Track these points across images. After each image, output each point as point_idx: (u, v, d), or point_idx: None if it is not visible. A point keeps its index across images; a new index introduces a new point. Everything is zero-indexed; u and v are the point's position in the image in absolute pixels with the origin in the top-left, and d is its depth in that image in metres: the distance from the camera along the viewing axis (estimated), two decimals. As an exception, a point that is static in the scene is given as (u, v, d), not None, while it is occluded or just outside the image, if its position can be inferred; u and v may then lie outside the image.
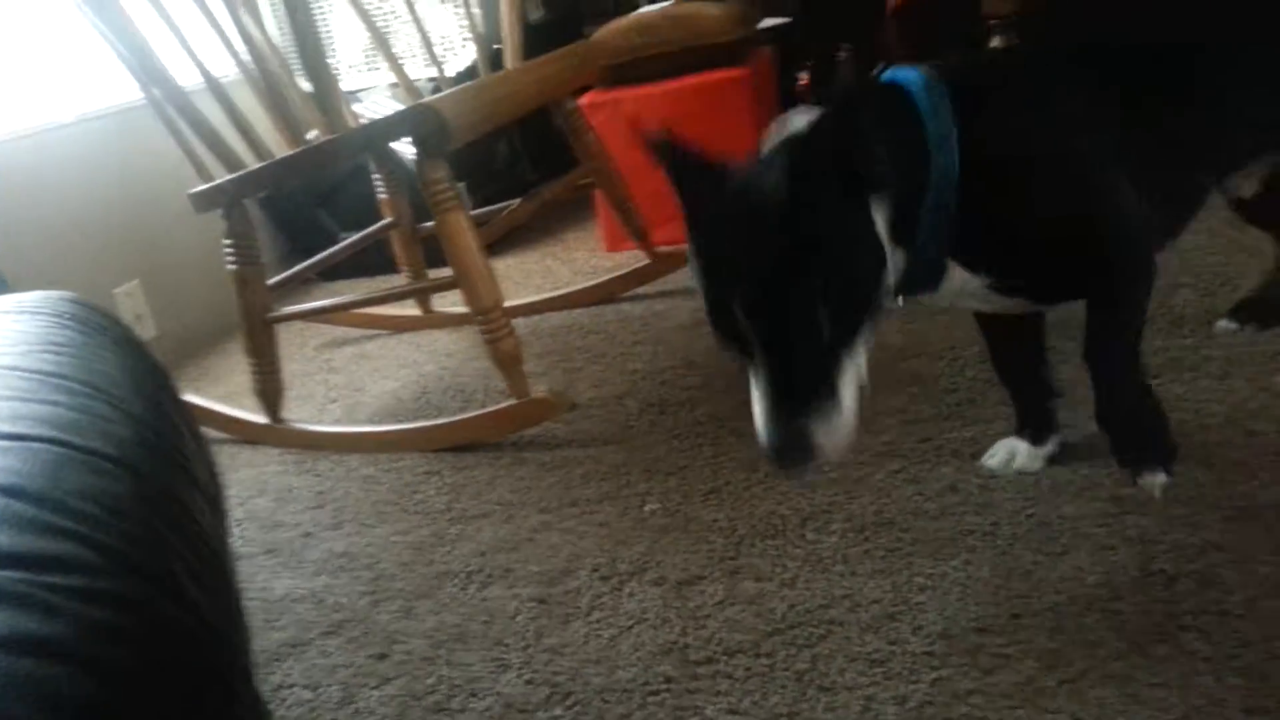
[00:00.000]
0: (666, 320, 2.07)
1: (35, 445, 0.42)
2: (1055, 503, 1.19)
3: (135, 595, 0.36)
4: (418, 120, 1.41)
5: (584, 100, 2.39)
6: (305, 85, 1.63)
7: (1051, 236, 1.05)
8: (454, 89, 1.63)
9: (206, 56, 1.68)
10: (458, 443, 1.68)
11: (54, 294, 0.68)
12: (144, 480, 0.44)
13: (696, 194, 0.93)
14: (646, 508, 1.38)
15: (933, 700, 0.94)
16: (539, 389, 1.67)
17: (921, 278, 1.04)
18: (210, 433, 1.95)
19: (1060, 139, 1.06)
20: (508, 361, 1.59)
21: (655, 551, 1.27)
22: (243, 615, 0.51)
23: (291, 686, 1.16)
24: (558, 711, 1.03)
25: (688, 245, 0.93)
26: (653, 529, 1.32)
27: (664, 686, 1.03)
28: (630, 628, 1.13)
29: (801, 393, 0.85)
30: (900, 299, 1.03)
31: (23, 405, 0.46)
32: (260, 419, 1.83)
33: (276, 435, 1.78)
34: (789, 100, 2.95)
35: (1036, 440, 1.27)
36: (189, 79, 1.68)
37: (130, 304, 2.51)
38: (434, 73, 2.23)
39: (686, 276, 2.27)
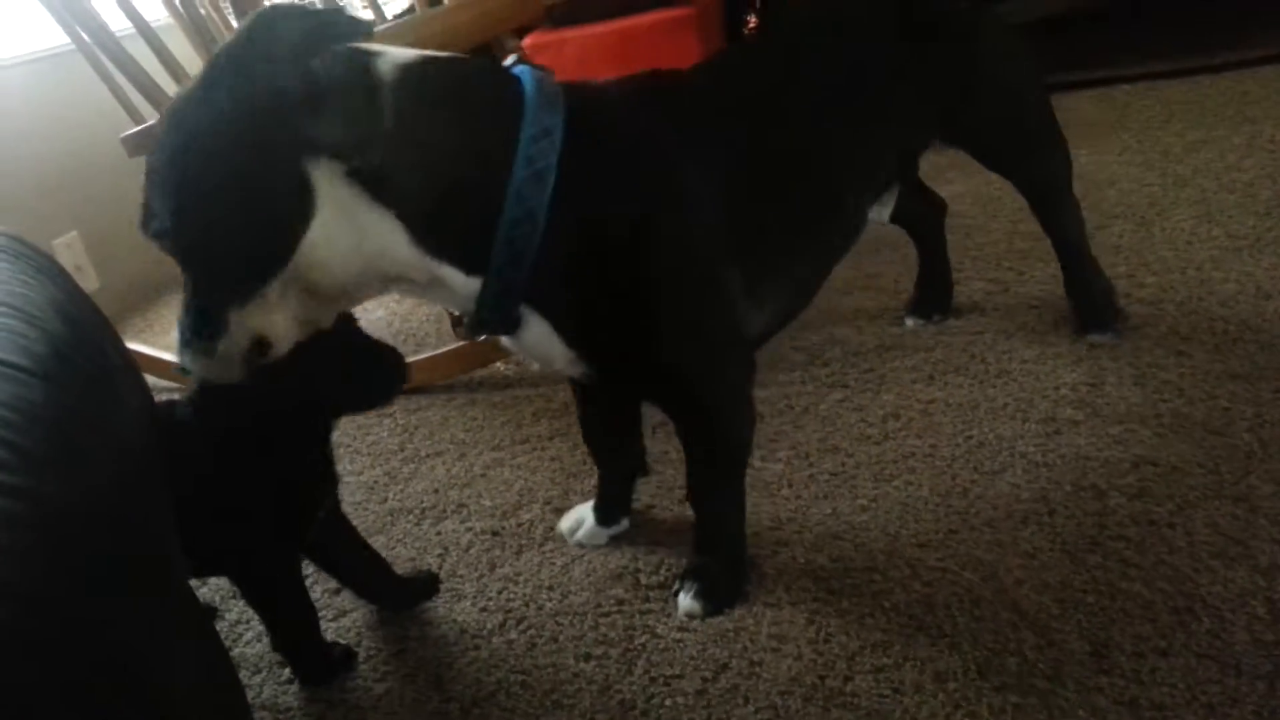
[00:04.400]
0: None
1: (-52, 356, 0.42)
2: (993, 425, 1.22)
3: (49, 491, 0.37)
4: (353, 56, 1.38)
5: (527, 41, 2.36)
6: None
7: (641, 333, 0.88)
8: (387, 25, 1.59)
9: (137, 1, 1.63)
10: (409, 386, 1.67)
11: (-28, 224, 0.67)
12: (62, 390, 0.44)
13: None
14: (597, 443, 1.39)
15: (872, 611, 0.97)
16: (488, 331, 1.67)
17: (493, 315, 0.85)
18: (160, 382, 1.92)
19: (678, 221, 0.87)
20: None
21: (606, 484, 1.28)
22: (171, 523, 0.51)
23: (249, 621, 1.17)
24: (512, 635, 1.05)
25: None
26: (603, 463, 1.33)
27: (616, 608, 1.05)
28: (582, 556, 1.15)
29: (191, 323, 0.81)
30: (476, 334, 0.89)
31: (-64, 321, 0.45)
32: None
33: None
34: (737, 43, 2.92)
35: (606, 519, 1.16)
36: (118, 23, 1.63)
37: (70, 255, 2.46)
38: (372, 15, 2.18)
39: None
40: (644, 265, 0.86)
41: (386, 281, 0.84)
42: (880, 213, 1.36)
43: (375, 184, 0.76)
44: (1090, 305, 1.38)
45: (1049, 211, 1.35)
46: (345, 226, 0.76)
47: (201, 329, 0.80)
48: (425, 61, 0.80)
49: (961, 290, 1.56)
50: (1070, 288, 1.40)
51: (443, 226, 0.80)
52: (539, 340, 0.88)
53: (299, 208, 0.74)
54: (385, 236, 0.78)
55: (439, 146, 0.78)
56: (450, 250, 0.81)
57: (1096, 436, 1.16)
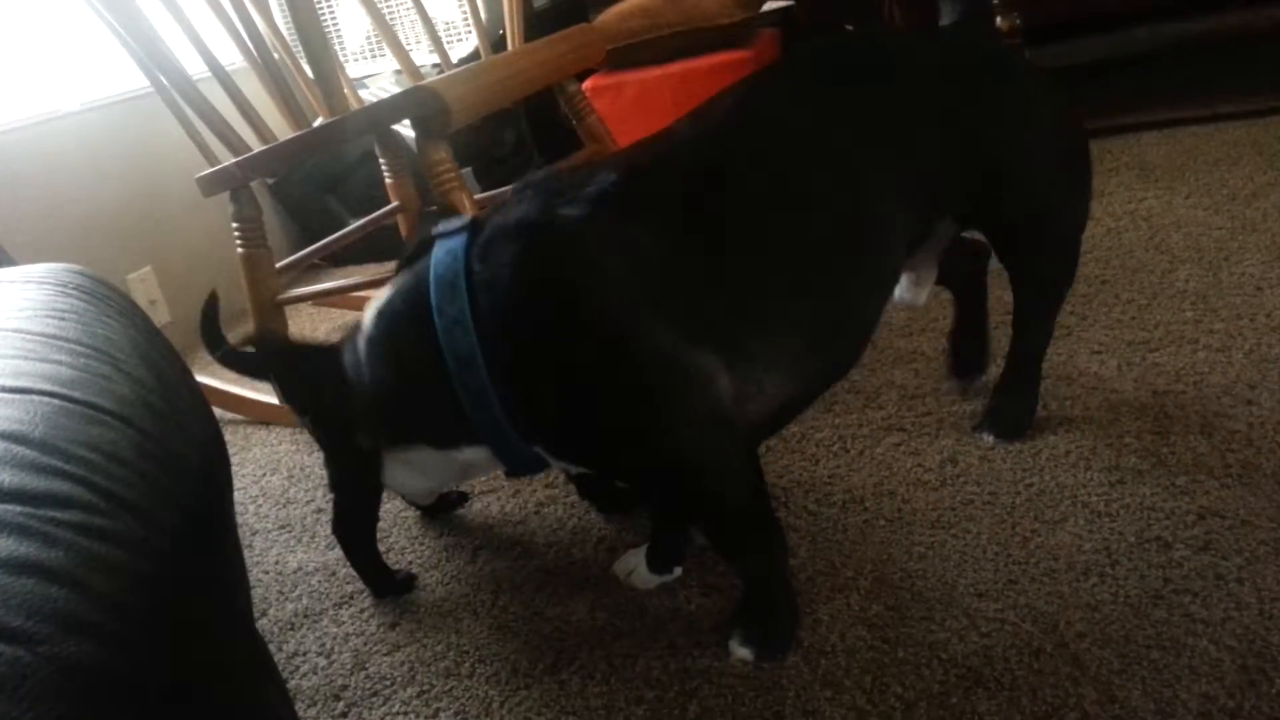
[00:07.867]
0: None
1: (37, 398, 0.44)
2: (1054, 473, 1.20)
3: (130, 533, 0.38)
4: (418, 101, 1.42)
5: (587, 84, 2.40)
6: (310, 73, 1.65)
7: (606, 440, 0.91)
8: (454, 70, 1.63)
9: (213, 45, 1.70)
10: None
11: (59, 266, 0.70)
12: (142, 434, 0.46)
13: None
14: (650, 483, 1.39)
15: (929, 662, 0.95)
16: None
17: (519, 464, 0.97)
18: (225, 414, 1.97)
19: (593, 318, 0.86)
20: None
21: (659, 525, 1.29)
22: (242, 564, 0.52)
23: (305, 654, 1.18)
24: (564, 675, 1.05)
25: None
26: (656, 503, 1.34)
27: (668, 652, 1.05)
28: (635, 597, 1.15)
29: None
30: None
31: (26, 363, 0.48)
32: (272, 400, 1.85)
33: (289, 416, 1.80)
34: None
35: (658, 567, 1.17)
36: (194, 68, 1.69)
37: (144, 290, 2.54)
38: (437, 59, 2.24)
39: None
40: (592, 375, 0.88)
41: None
42: (916, 295, 1.27)
43: (396, 440, 1.01)
44: (1009, 413, 1.30)
45: (1032, 313, 1.24)
46: (401, 465, 1.04)
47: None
48: (375, 329, 0.98)
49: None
50: (1003, 388, 1.31)
51: (446, 428, 0.96)
52: (559, 463, 0.98)
53: (374, 462, 1.05)
54: (425, 456, 1.01)
55: (403, 397, 0.97)
56: (460, 437, 0.97)
57: (1161, 487, 1.13)
